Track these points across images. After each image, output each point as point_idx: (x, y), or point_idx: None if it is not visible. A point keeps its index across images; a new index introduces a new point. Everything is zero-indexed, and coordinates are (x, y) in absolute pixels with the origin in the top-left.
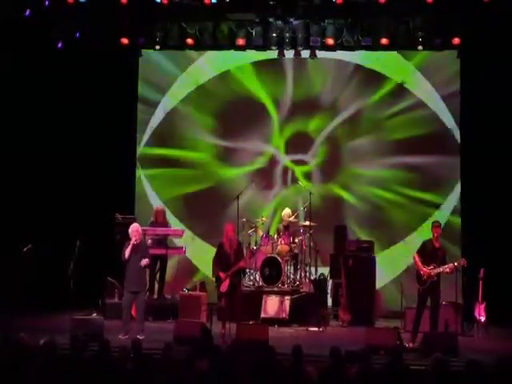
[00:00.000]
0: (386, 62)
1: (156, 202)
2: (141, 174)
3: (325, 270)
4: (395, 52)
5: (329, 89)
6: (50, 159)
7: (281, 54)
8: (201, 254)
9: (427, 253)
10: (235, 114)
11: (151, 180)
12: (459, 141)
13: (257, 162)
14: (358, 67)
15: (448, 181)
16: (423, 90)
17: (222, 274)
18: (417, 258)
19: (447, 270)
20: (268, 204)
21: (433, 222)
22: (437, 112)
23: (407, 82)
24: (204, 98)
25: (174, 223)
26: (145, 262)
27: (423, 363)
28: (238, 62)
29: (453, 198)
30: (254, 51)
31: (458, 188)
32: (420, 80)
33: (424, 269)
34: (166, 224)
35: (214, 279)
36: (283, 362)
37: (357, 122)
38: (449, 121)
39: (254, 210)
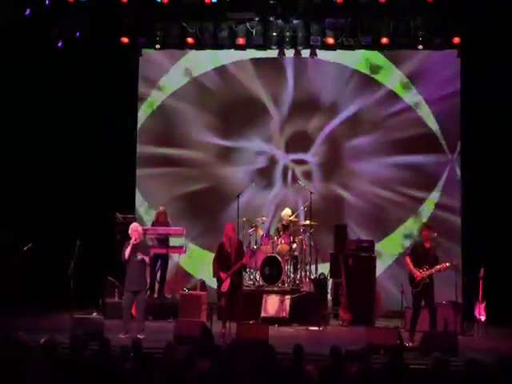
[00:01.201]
0: (380, 67)
1: (156, 202)
2: (141, 173)
3: (325, 267)
4: (392, 53)
5: (329, 88)
6: (51, 159)
7: (281, 53)
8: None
9: (418, 254)
10: (235, 114)
11: (151, 179)
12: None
13: (257, 161)
14: (356, 70)
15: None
16: (420, 91)
17: (222, 275)
18: (409, 261)
19: (439, 269)
20: (268, 203)
21: (422, 224)
22: (434, 112)
23: (403, 87)
24: (204, 96)
25: (174, 223)
26: (140, 256)
27: (423, 362)
28: (237, 57)
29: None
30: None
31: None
32: (418, 81)
33: (417, 273)
34: (167, 224)
35: (214, 279)
36: (283, 362)
37: (357, 121)
38: (446, 121)
39: (254, 209)
